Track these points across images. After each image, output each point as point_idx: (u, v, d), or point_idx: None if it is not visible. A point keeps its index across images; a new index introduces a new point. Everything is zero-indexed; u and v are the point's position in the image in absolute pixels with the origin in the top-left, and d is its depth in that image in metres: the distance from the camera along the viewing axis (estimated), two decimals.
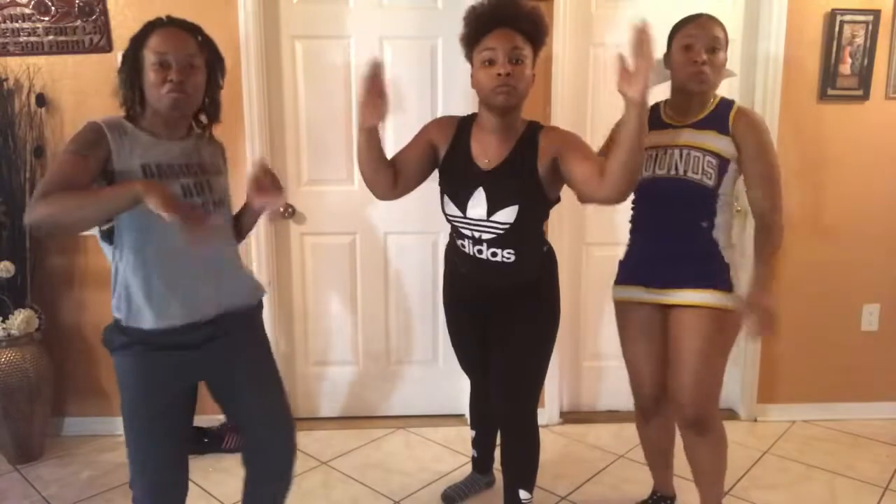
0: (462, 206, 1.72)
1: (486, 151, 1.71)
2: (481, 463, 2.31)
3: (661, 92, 1.84)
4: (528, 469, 1.93)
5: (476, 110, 1.79)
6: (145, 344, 1.47)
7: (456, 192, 1.74)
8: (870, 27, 2.62)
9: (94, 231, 1.47)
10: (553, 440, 2.71)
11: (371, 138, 1.65)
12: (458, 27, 1.71)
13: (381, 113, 1.56)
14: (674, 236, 1.83)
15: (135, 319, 1.47)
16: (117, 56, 2.53)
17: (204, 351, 1.51)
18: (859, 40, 2.63)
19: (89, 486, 2.38)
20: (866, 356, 2.87)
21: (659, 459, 2.12)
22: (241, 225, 1.66)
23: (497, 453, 2.18)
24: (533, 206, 1.70)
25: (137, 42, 1.45)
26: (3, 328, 2.47)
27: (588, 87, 2.72)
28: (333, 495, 2.31)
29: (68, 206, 1.29)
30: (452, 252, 1.93)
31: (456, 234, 1.83)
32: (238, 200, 1.66)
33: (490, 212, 1.69)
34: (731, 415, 2.92)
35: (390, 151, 1.78)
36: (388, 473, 2.47)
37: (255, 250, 2.64)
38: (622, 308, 1.98)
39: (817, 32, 2.64)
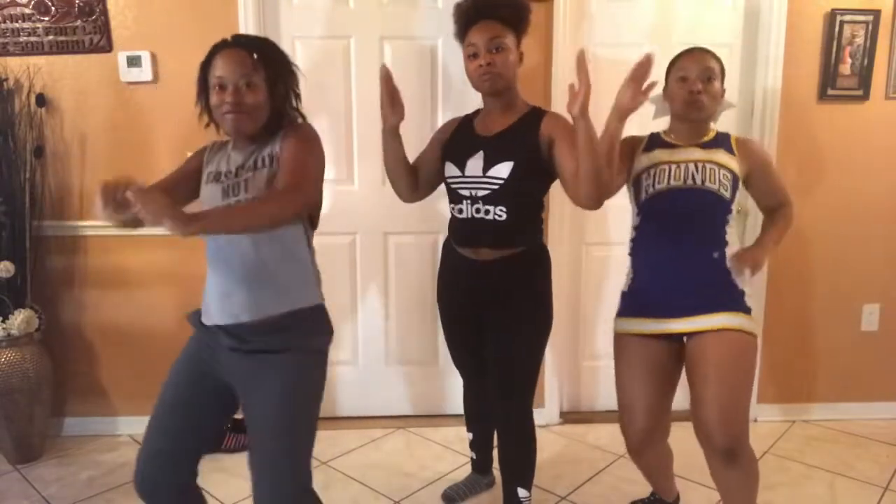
0: (462, 166, 1.84)
1: (488, 125, 1.86)
2: (480, 463, 2.31)
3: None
4: (526, 467, 1.94)
5: (476, 109, 1.96)
6: (201, 329, 1.55)
7: (458, 156, 1.86)
8: (870, 27, 2.62)
9: None
10: (553, 440, 2.71)
11: (395, 139, 1.87)
12: None
13: (401, 112, 1.82)
14: (685, 260, 1.78)
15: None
16: (117, 56, 2.55)
17: (237, 359, 1.49)
18: (859, 40, 2.63)
19: (89, 486, 2.39)
20: (866, 356, 2.87)
21: (660, 478, 2.06)
22: None
23: (495, 453, 2.18)
24: (527, 167, 1.77)
25: (204, 67, 1.50)
26: (3, 328, 2.47)
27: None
28: (333, 495, 2.31)
29: None
30: (449, 234, 1.97)
31: (454, 199, 1.88)
32: None
33: (485, 168, 1.79)
34: None
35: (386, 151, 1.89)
36: (388, 473, 2.47)
37: None
38: (625, 341, 1.87)
39: (817, 32, 2.64)
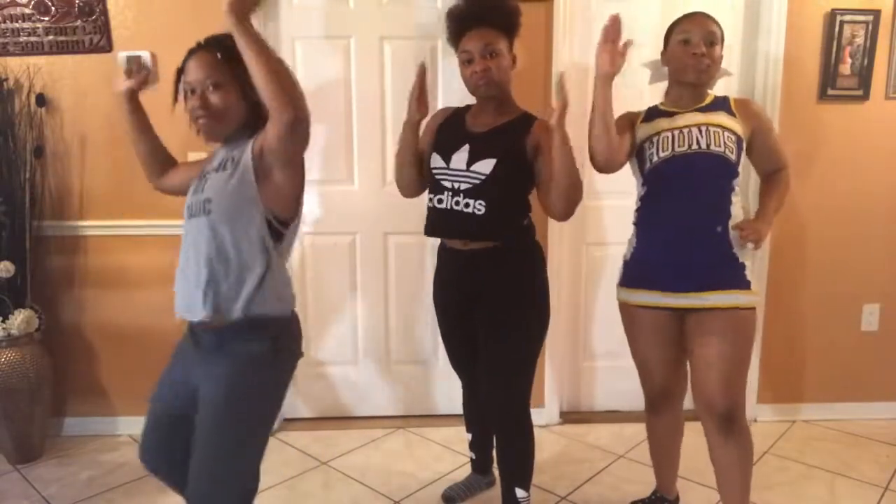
0: (447, 159, 1.86)
1: (478, 122, 1.89)
2: (480, 464, 2.31)
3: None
4: (523, 467, 1.93)
5: (469, 104, 2.00)
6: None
7: (444, 148, 1.89)
8: (870, 27, 2.62)
9: None
10: (553, 440, 2.71)
11: (414, 133, 1.93)
12: None
13: (425, 110, 1.90)
14: (690, 235, 1.78)
15: None
16: (117, 56, 2.55)
17: (199, 359, 1.49)
18: (859, 40, 2.63)
19: (89, 486, 2.38)
20: (866, 356, 2.87)
21: (665, 458, 2.09)
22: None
23: (495, 453, 2.18)
24: (510, 166, 1.79)
25: (178, 74, 1.49)
26: (3, 328, 2.47)
27: (588, 87, 2.71)
28: (333, 495, 2.31)
29: None
30: (426, 224, 1.96)
31: (436, 190, 1.90)
32: None
33: (469, 162, 1.82)
34: None
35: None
36: (388, 473, 2.47)
37: None
38: (632, 311, 1.92)
39: (817, 32, 2.64)
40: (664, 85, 1.93)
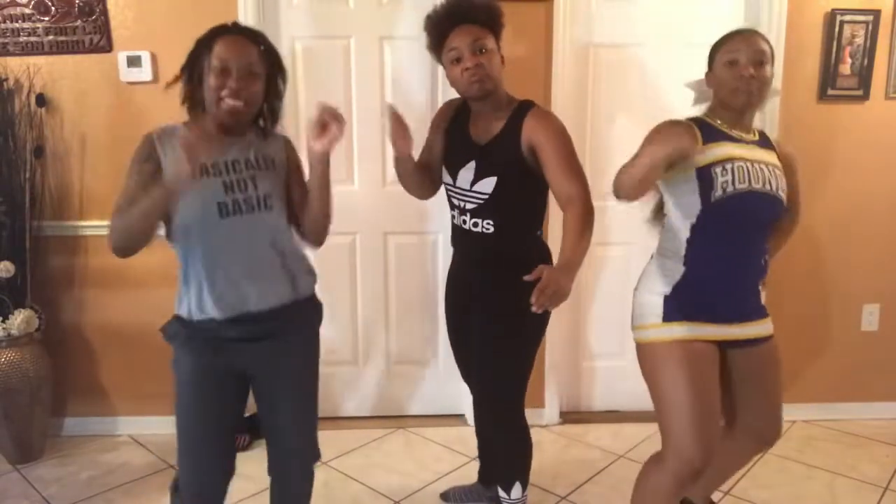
0: (454, 175, 1.83)
1: (479, 129, 1.82)
2: (484, 474, 2.24)
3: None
4: (510, 468, 1.91)
5: None
6: (193, 333, 1.53)
7: (452, 162, 1.85)
8: (870, 27, 2.62)
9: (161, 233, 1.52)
10: (552, 440, 2.71)
11: (407, 163, 1.85)
12: None
13: (410, 142, 1.79)
14: (746, 266, 1.69)
15: (179, 307, 1.56)
16: (117, 56, 2.55)
17: (248, 347, 1.53)
18: (859, 40, 2.63)
19: (89, 486, 2.38)
20: (866, 356, 2.87)
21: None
22: (310, 210, 1.65)
23: None
24: (513, 180, 1.75)
25: (202, 45, 1.48)
26: (3, 328, 2.47)
27: (588, 86, 2.72)
28: (333, 495, 2.31)
29: (124, 220, 1.41)
30: (453, 243, 1.98)
31: (449, 204, 1.90)
32: None
33: (473, 182, 1.78)
34: None
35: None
36: (388, 473, 2.47)
37: None
38: (685, 349, 1.64)
39: (817, 32, 2.64)
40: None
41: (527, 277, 1.55)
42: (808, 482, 2.39)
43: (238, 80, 1.43)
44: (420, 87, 2.67)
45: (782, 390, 1.79)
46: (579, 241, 1.65)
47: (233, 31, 1.49)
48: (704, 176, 1.62)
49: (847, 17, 2.61)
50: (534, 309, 1.52)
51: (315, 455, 1.70)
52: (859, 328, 2.86)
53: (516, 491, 1.89)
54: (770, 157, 1.69)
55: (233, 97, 1.44)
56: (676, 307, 1.67)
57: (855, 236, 2.79)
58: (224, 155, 1.51)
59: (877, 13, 2.61)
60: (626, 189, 1.59)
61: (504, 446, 1.92)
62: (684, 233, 1.68)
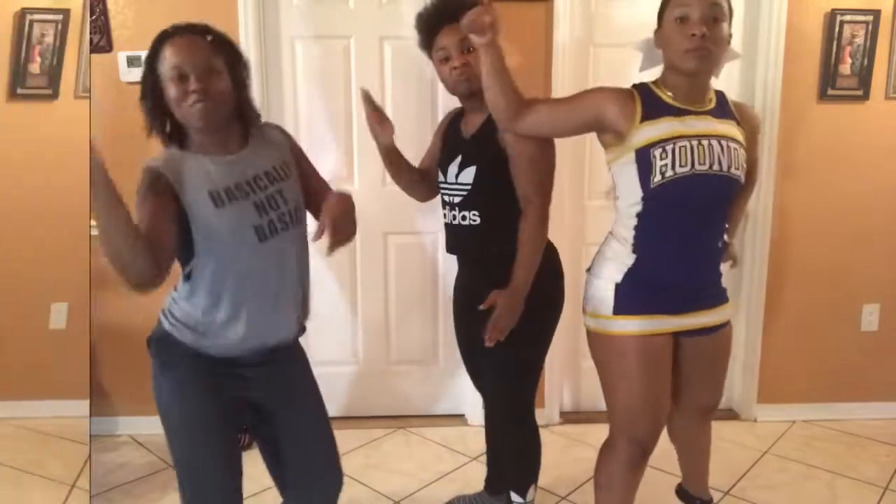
0: (445, 172, 1.86)
1: (469, 124, 1.86)
2: (491, 482, 2.20)
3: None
4: (517, 469, 1.91)
5: None
6: (198, 365, 1.43)
7: (443, 161, 1.88)
8: (870, 27, 2.62)
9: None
10: (553, 440, 2.71)
11: (391, 154, 1.87)
12: None
13: (391, 128, 1.81)
14: (697, 253, 1.57)
15: (181, 333, 1.46)
16: (117, 56, 2.55)
17: (258, 370, 1.49)
18: (859, 40, 2.63)
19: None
20: (866, 356, 2.87)
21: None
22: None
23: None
24: (493, 169, 1.76)
25: (151, 60, 1.37)
26: None
27: (588, 86, 2.71)
28: None
29: (101, 240, 1.33)
30: (447, 244, 1.97)
31: (442, 204, 1.91)
32: None
33: (458, 174, 1.81)
34: (731, 415, 2.92)
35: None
36: (388, 473, 2.47)
37: None
38: (640, 343, 1.58)
39: (817, 32, 2.64)
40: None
41: (481, 307, 1.68)
42: (808, 482, 2.39)
43: (198, 80, 1.31)
44: (420, 87, 2.67)
45: (723, 374, 1.80)
46: (530, 256, 1.71)
47: (177, 32, 1.37)
48: (642, 159, 1.48)
49: (847, 17, 2.61)
50: (487, 344, 1.67)
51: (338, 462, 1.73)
52: (859, 328, 2.86)
53: (531, 493, 1.89)
54: (726, 127, 1.52)
55: (200, 100, 1.31)
56: (628, 298, 1.58)
57: (855, 236, 2.78)
58: (238, 175, 1.40)
59: (877, 13, 2.61)
60: (503, 114, 1.62)
61: (519, 447, 1.91)
62: (631, 220, 1.58)
